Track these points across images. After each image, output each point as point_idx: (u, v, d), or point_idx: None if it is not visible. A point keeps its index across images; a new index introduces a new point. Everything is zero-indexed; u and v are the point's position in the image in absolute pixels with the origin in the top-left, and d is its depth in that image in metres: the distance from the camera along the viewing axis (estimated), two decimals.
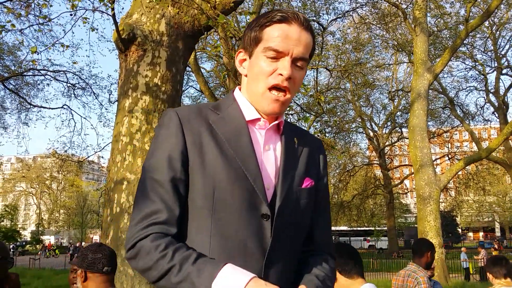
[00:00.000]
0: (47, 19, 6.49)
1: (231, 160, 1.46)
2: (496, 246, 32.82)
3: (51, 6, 5.96)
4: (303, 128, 1.84)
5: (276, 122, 1.59)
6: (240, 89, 1.66)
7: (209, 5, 6.07)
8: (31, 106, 22.85)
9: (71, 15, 5.59)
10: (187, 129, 1.49)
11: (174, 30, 6.26)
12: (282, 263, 1.47)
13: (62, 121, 25.12)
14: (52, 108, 22.94)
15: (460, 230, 64.74)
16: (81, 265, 2.72)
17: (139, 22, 6.18)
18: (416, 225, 30.25)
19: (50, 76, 20.97)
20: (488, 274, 4.15)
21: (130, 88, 6.03)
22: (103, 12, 5.86)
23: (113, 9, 5.71)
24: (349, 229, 57.15)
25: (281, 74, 1.47)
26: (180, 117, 1.51)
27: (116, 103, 6.33)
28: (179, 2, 6.13)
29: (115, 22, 5.91)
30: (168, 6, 6.19)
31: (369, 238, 55.03)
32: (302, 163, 1.61)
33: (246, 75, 1.60)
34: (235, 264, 1.34)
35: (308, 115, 21.55)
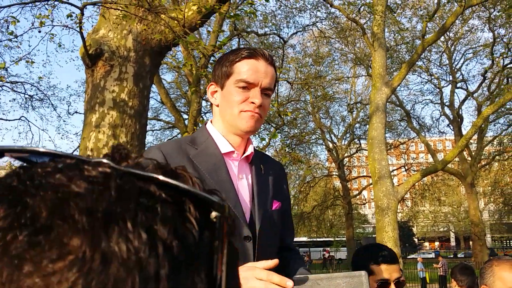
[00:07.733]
0: (13, 34, 6.46)
1: None
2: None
3: (18, 21, 5.95)
4: (266, 153, 2.09)
5: (247, 154, 1.78)
6: (211, 121, 1.84)
7: (176, 22, 6.17)
8: None
9: (39, 31, 5.62)
10: (171, 164, 1.60)
11: (141, 46, 6.33)
12: None
13: (19, 133, 24.92)
14: (9, 120, 22.50)
15: (416, 240, 66.03)
16: None
17: (106, 37, 6.22)
18: (374, 235, 30.71)
19: (7, 87, 20.48)
20: (452, 280, 4.27)
21: (97, 103, 6.07)
22: (70, 28, 5.86)
23: (81, 27, 5.75)
24: (309, 240, 57.57)
25: (253, 102, 1.68)
26: (164, 154, 1.65)
27: (75, 114, 6.37)
28: (147, 19, 6.21)
29: (83, 38, 5.94)
30: (135, 23, 6.26)
31: (328, 248, 55.52)
32: (269, 188, 1.82)
33: (217, 105, 1.79)
34: None
35: (276, 131, 21.73)
